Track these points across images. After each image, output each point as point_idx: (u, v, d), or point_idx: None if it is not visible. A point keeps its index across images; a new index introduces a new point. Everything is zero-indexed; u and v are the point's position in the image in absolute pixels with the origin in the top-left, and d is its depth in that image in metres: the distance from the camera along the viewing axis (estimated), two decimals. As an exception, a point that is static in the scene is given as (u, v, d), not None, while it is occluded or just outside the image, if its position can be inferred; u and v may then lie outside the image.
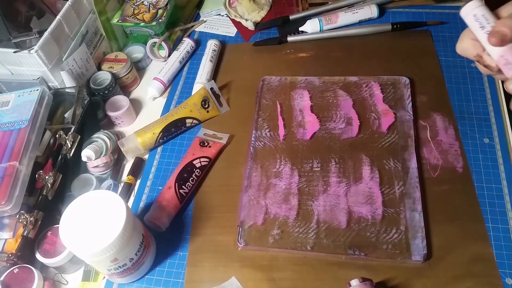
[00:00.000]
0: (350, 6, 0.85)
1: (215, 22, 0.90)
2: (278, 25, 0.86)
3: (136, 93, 0.81)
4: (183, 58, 0.82)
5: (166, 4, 0.80)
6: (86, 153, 0.64)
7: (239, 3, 0.88)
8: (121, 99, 0.75)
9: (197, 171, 0.65)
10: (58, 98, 0.70)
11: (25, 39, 0.69)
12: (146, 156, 0.71)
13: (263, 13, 0.88)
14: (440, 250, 0.56)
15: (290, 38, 0.82)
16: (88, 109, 0.69)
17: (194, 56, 0.84)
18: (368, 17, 0.83)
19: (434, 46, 0.78)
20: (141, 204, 0.65)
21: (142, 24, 0.79)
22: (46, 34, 0.65)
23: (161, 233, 0.61)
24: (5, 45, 0.67)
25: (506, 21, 0.42)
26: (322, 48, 0.81)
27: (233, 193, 0.64)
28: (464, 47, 0.47)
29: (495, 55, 0.44)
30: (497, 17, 0.44)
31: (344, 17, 0.82)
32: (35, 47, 0.63)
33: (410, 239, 0.56)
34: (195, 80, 0.77)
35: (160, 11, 0.79)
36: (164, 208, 0.61)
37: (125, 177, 0.68)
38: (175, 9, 0.84)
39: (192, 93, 0.75)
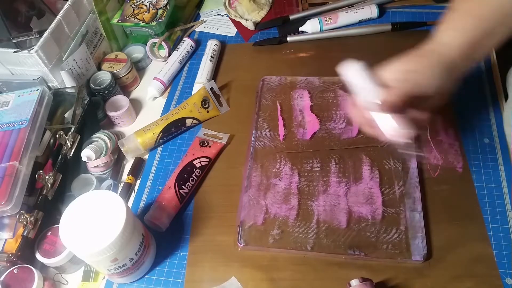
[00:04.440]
0: (350, 6, 0.85)
1: (215, 22, 0.90)
2: (278, 25, 0.86)
3: (136, 93, 0.81)
4: (183, 58, 0.82)
5: (166, 4, 0.80)
6: (86, 153, 0.64)
7: (239, 3, 0.88)
8: (121, 99, 0.75)
9: (197, 171, 0.65)
10: (58, 98, 0.70)
11: (25, 39, 0.69)
12: (146, 156, 0.71)
13: (263, 13, 0.88)
14: (440, 250, 0.56)
15: (290, 38, 0.82)
16: (88, 109, 0.69)
17: (194, 56, 0.84)
18: (368, 17, 0.83)
19: (434, 46, 0.78)
20: (141, 204, 0.65)
21: (142, 24, 0.79)
22: (46, 34, 0.65)
23: (161, 233, 0.61)
24: (5, 45, 0.67)
25: (394, 91, 0.46)
26: (322, 48, 0.81)
27: (233, 193, 0.64)
28: (353, 108, 0.49)
29: None
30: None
31: (344, 17, 0.82)
32: (35, 47, 0.63)
33: (410, 239, 0.56)
34: (195, 80, 0.77)
35: (160, 11, 0.79)
36: (164, 208, 0.61)
37: (125, 177, 0.68)
38: (175, 9, 0.84)
39: (192, 93, 0.75)
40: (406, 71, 0.49)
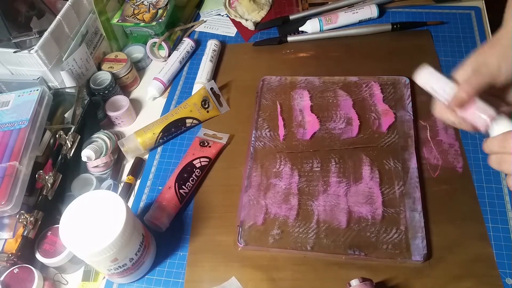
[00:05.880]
0: (350, 6, 0.85)
1: (215, 22, 0.90)
2: (278, 25, 0.86)
3: (136, 93, 0.81)
4: (183, 58, 0.82)
5: (166, 4, 0.80)
6: (86, 153, 0.64)
7: (239, 3, 0.88)
8: (121, 99, 0.75)
9: (197, 171, 0.65)
10: (58, 98, 0.70)
11: (25, 39, 0.69)
12: (146, 156, 0.71)
13: (263, 13, 0.88)
14: (440, 250, 0.56)
15: (290, 38, 0.82)
16: (88, 109, 0.69)
17: (194, 56, 0.84)
18: (368, 17, 0.83)
19: (434, 46, 0.78)
20: (141, 204, 0.65)
21: (142, 24, 0.79)
22: (46, 34, 0.65)
23: (161, 233, 0.61)
24: (5, 45, 0.67)
25: (463, 86, 0.46)
26: (322, 48, 0.81)
27: (233, 193, 0.64)
28: (439, 113, 0.49)
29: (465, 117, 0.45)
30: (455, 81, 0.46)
31: (344, 17, 0.82)
32: (35, 47, 0.63)
33: (410, 239, 0.56)
34: (195, 80, 0.77)
35: (160, 11, 0.79)
36: (164, 208, 0.61)
37: (125, 177, 0.68)
38: (175, 9, 0.84)
39: (192, 93, 0.75)
40: (477, 65, 0.48)
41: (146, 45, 0.82)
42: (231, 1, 0.90)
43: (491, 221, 0.58)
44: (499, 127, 0.44)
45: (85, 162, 0.66)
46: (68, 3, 0.70)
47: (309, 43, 0.82)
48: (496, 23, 0.83)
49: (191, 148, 0.68)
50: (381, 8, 0.84)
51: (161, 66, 0.80)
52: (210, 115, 0.73)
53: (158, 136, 0.69)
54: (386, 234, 0.57)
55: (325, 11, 0.86)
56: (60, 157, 0.63)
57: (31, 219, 0.57)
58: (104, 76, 0.75)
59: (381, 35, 0.81)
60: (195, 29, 0.89)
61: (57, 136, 0.64)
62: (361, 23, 0.84)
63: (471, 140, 0.65)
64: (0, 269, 0.56)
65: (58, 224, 0.50)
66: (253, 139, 0.68)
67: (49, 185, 0.60)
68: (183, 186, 0.63)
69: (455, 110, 0.47)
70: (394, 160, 0.63)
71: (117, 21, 0.80)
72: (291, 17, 0.86)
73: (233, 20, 0.89)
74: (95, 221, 0.49)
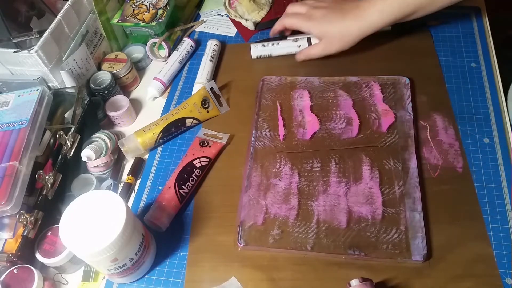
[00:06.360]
0: (350, 6, 0.85)
1: (215, 22, 0.90)
2: (278, 25, 0.86)
3: (136, 93, 0.81)
4: (183, 58, 0.82)
5: (166, 4, 0.80)
6: (86, 153, 0.64)
7: (239, 3, 0.88)
8: (121, 99, 0.75)
9: (197, 171, 0.65)
10: (58, 98, 0.70)
11: (25, 39, 0.69)
12: (146, 156, 0.71)
13: (263, 13, 0.88)
14: (440, 250, 0.56)
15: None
16: (88, 109, 0.69)
17: (194, 56, 0.84)
18: (368, 17, 0.83)
19: (434, 46, 0.78)
20: (141, 204, 0.65)
21: (142, 24, 0.79)
22: (46, 34, 0.65)
23: (161, 233, 0.61)
24: (5, 45, 0.67)
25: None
26: (322, 48, 0.81)
27: (233, 193, 0.64)
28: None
29: None
30: None
31: (344, 17, 0.82)
32: (35, 47, 0.63)
33: (410, 239, 0.56)
34: (195, 80, 0.77)
35: (160, 11, 0.79)
36: (164, 208, 0.61)
37: (125, 177, 0.68)
38: (175, 9, 0.84)
39: (192, 93, 0.75)
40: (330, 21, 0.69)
41: (146, 45, 0.82)
42: (231, 1, 0.90)
43: (491, 221, 0.58)
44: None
45: (85, 162, 0.66)
46: (68, 3, 0.70)
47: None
48: (496, 23, 0.83)
49: (191, 148, 0.68)
50: (381, 8, 0.84)
51: (161, 66, 0.80)
52: (210, 115, 0.73)
53: (158, 136, 0.69)
54: (386, 234, 0.57)
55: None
56: (60, 157, 0.63)
57: (31, 219, 0.57)
58: (104, 76, 0.75)
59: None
60: (195, 29, 0.89)
61: (57, 136, 0.64)
62: (361, 23, 0.83)
63: (471, 140, 0.65)
64: (0, 269, 0.56)
65: (58, 224, 0.50)
66: (253, 139, 0.68)
67: (49, 185, 0.60)
68: (183, 186, 0.63)
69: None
70: (394, 160, 0.63)
71: (117, 21, 0.80)
72: (291, 17, 0.86)
73: (233, 20, 0.89)
74: (95, 221, 0.49)
